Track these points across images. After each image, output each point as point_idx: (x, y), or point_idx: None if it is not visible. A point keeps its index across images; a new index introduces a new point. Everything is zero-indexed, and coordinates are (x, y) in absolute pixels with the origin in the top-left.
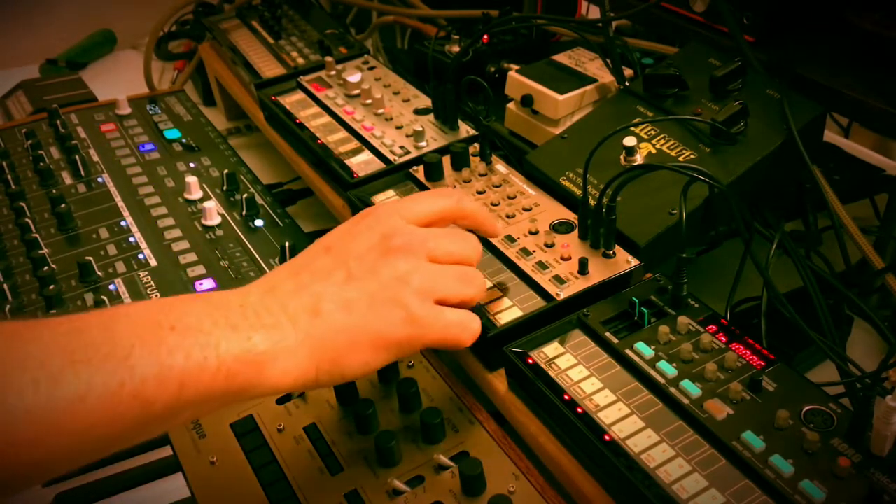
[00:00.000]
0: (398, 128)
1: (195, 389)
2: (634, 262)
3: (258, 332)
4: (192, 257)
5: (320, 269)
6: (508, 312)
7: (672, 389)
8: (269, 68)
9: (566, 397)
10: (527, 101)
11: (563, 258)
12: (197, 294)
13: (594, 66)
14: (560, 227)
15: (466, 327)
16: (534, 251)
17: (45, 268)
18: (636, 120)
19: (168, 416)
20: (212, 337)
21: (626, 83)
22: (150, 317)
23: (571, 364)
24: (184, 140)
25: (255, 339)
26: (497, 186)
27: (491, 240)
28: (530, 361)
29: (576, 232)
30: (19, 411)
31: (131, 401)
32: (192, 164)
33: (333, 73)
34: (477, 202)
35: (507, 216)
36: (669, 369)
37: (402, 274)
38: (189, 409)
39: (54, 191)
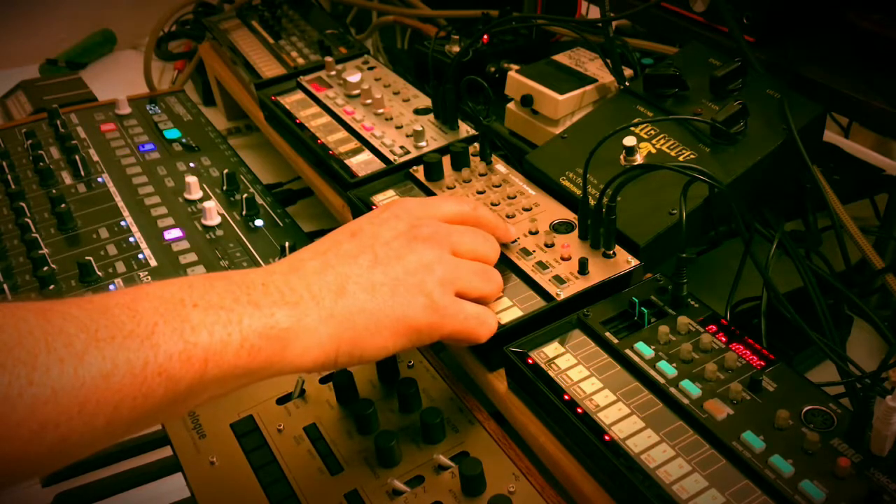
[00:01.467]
0: (398, 128)
1: (219, 366)
2: (634, 262)
3: (281, 309)
4: (192, 257)
5: (346, 251)
6: (508, 312)
7: (672, 389)
8: (269, 68)
9: (566, 397)
10: (527, 101)
11: (563, 258)
12: (219, 273)
13: (594, 66)
14: (560, 227)
15: (484, 321)
16: (534, 251)
17: (45, 268)
18: (636, 120)
19: (193, 394)
20: (234, 314)
21: (626, 83)
22: (173, 295)
23: (571, 364)
24: (184, 140)
25: (278, 315)
26: (497, 186)
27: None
28: (530, 361)
29: (576, 232)
30: (46, 390)
31: (156, 378)
32: (192, 164)
33: (333, 73)
34: (492, 212)
35: (508, 216)
36: (669, 369)
37: (427, 262)
38: (213, 387)
39: (54, 191)
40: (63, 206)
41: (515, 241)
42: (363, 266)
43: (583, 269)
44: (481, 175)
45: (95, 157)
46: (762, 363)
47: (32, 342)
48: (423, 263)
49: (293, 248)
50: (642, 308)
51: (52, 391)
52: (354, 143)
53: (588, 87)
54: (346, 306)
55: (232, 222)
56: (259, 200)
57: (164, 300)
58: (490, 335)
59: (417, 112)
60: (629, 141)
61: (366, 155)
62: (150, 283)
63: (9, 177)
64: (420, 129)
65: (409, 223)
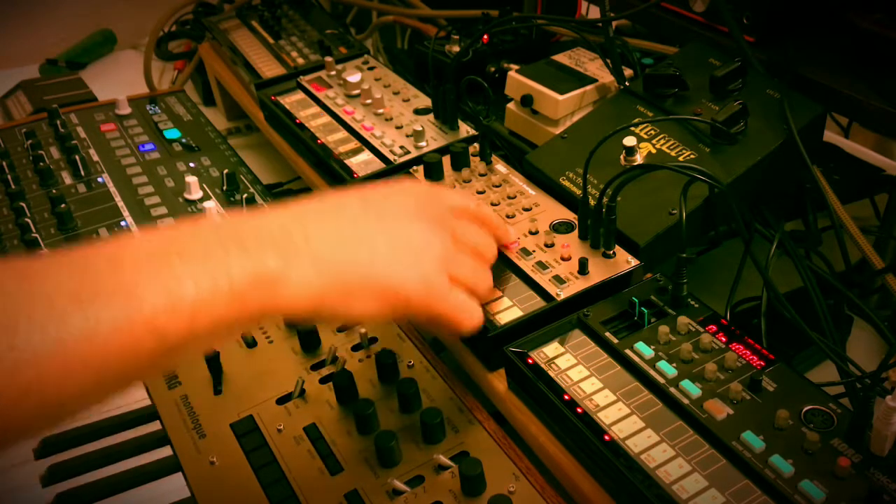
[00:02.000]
0: (398, 128)
1: (208, 316)
2: (634, 262)
3: (270, 253)
4: None
5: (351, 213)
6: (508, 312)
7: (672, 389)
8: (269, 68)
9: (566, 397)
10: (527, 101)
11: (563, 258)
12: (204, 220)
13: (594, 66)
14: (560, 227)
15: (472, 314)
16: (534, 251)
17: None
18: (636, 120)
19: (183, 345)
20: (221, 263)
21: (626, 83)
22: (157, 246)
23: (571, 364)
24: (184, 140)
25: (268, 259)
26: (497, 186)
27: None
28: (530, 361)
29: (576, 232)
30: (28, 354)
31: (144, 334)
32: (192, 164)
33: (333, 73)
34: (494, 213)
35: (508, 216)
36: (669, 369)
37: (427, 239)
38: (204, 337)
39: (54, 191)
40: (63, 206)
41: (515, 242)
42: (365, 228)
43: (583, 269)
44: (481, 175)
45: (95, 157)
46: (762, 363)
47: (12, 306)
48: (424, 239)
49: None
50: (642, 308)
51: (33, 354)
52: (354, 143)
53: (588, 87)
54: (340, 257)
55: None
56: (259, 200)
57: (148, 252)
58: (474, 329)
59: (417, 112)
60: (629, 141)
61: (366, 155)
62: (133, 234)
63: (9, 177)
64: (420, 129)
65: (417, 201)
